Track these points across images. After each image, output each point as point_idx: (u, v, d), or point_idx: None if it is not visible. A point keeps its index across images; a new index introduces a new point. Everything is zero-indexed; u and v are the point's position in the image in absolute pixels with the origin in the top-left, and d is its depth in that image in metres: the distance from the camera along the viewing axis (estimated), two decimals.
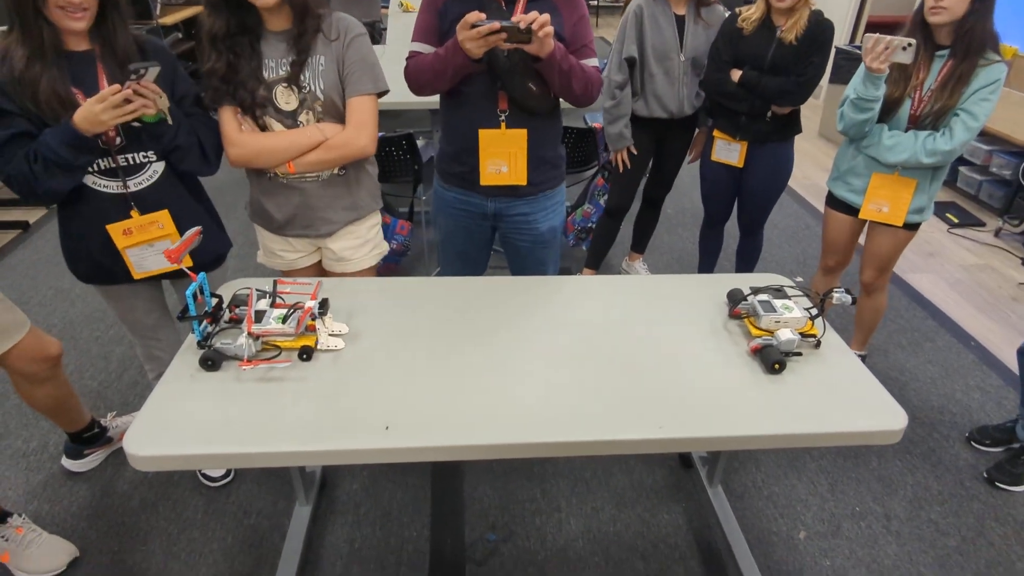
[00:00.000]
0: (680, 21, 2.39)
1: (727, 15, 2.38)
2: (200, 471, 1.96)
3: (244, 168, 1.64)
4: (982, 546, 1.86)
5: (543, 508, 1.94)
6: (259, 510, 1.89)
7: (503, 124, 1.65)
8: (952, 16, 1.78)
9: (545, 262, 1.93)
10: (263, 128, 1.58)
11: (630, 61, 2.40)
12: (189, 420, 1.13)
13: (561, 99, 1.70)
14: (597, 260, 3.00)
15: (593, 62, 1.69)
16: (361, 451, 1.11)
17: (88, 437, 1.96)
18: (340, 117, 1.60)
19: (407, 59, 1.64)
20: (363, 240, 1.80)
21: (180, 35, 5.56)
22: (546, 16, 1.41)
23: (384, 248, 1.89)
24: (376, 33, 4.87)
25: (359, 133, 1.59)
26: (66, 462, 1.98)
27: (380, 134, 2.66)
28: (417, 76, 1.61)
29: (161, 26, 5.04)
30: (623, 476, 2.05)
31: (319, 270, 1.85)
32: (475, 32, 1.40)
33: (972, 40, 1.80)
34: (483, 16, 1.40)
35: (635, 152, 2.58)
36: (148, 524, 1.84)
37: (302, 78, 1.54)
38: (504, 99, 1.63)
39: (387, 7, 5.04)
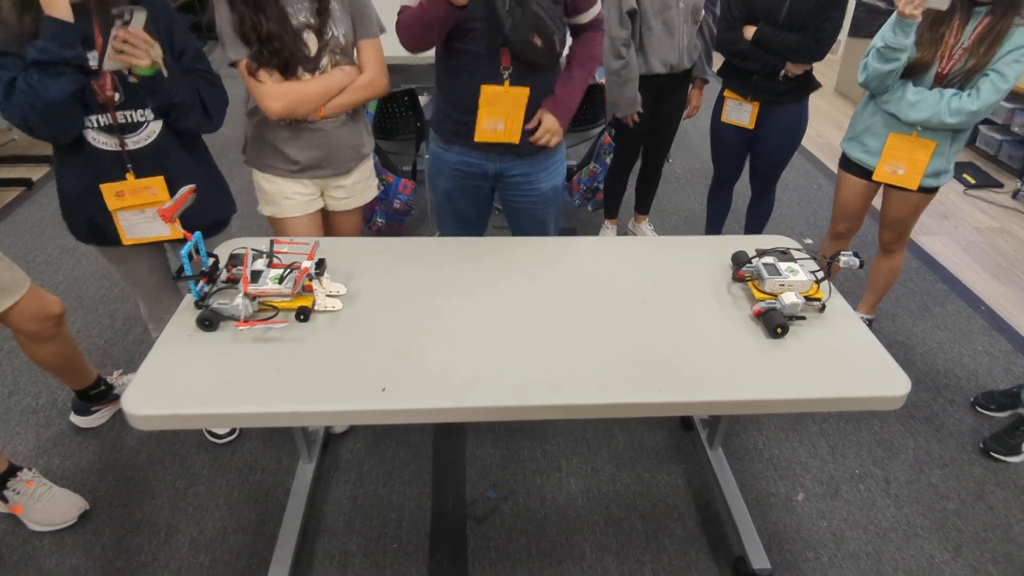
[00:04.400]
0: None
1: None
2: (205, 429, 1.99)
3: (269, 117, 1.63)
4: (981, 510, 1.87)
5: (543, 467, 1.96)
6: (264, 467, 1.92)
7: (507, 82, 1.60)
8: None
9: (546, 222, 1.90)
10: (289, 79, 1.59)
11: (632, 14, 2.30)
12: (186, 380, 1.13)
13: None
14: (614, 211, 3.03)
15: (595, 10, 1.64)
16: (357, 412, 1.11)
17: (95, 394, 1.98)
18: (351, 59, 1.69)
19: (398, 13, 1.58)
20: (368, 174, 1.91)
21: None
22: (550, 131, 1.64)
23: (376, 182, 1.99)
24: None
25: (380, 73, 1.71)
26: (74, 418, 2.01)
27: None
28: (406, 30, 1.56)
29: None
30: (623, 436, 2.06)
31: (319, 220, 1.86)
32: None
33: None
34: None
35: (642, 111, 2.51)
36: (155, 479, 1.87)
37: (327, 24, 1.59)
38: (507, 56, 1.57)
39: None
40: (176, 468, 1.91)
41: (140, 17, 1.38)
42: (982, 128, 3.99)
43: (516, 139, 1.68)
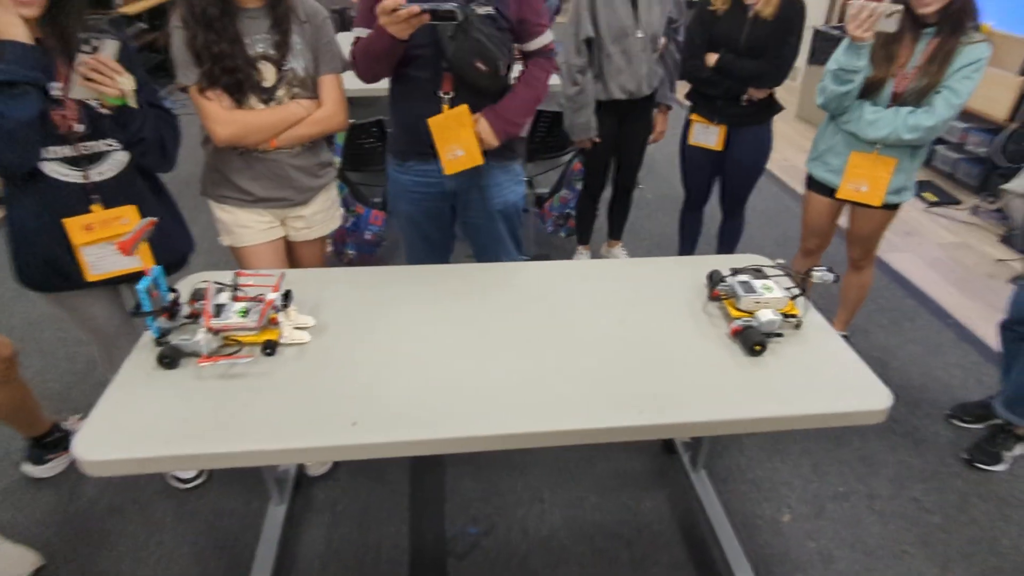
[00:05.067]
0: None
1: None
2: (171, 473, 1.90)
3: (221, 147, 1.61)
4: (965, 523, 1.86)
5: (525, 499, 1.90)
6: (232, 511, 1.83)
7: (445, 107, 1.61)
8: (944, 2, 1.75)
9: (504, 239, 1.89)
10: (241, 106, 1.58)
11: (589, 42, 2.34)
12: (145, 421, 1.07)
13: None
14: (587, 236, 3.04)
15: (546, 38, 1.65)
16: (328, 448, 1.06)
17: (50, 442, 1.88)
18: (311, 93, 1.67)
19: (351, 45, 1.59)
20: (330, 204, 1.88)
21: (144, 25, 5.40)
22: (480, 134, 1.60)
23: (341, 212, 1.97)
24: (346, 20, 4.77)
25: (338, 108, 1.69)
26: (28, 468, 1.90)
27: (351, 121, 2.60)
28: (359, 62, 1.58)
29: (123, 16, 4.87)
30: (605, 463, 2.02)
31: (282, 249, 1.82)
32: (395, 16, 1.37)
33: (962, 15, 1.77)
34: (402, 0, 1.36)
35: (598, 141, 2.54)
36: (116, 529, 1.77)
37: (286, 57, 1.58)
38: (449, 81, 1.59)
39: None
40: (137, 517, 1.81)
41: (111, 46, 1.36)
42: (938, 148, 4.12)
43: (479, 159, 1.67)
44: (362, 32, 1.57)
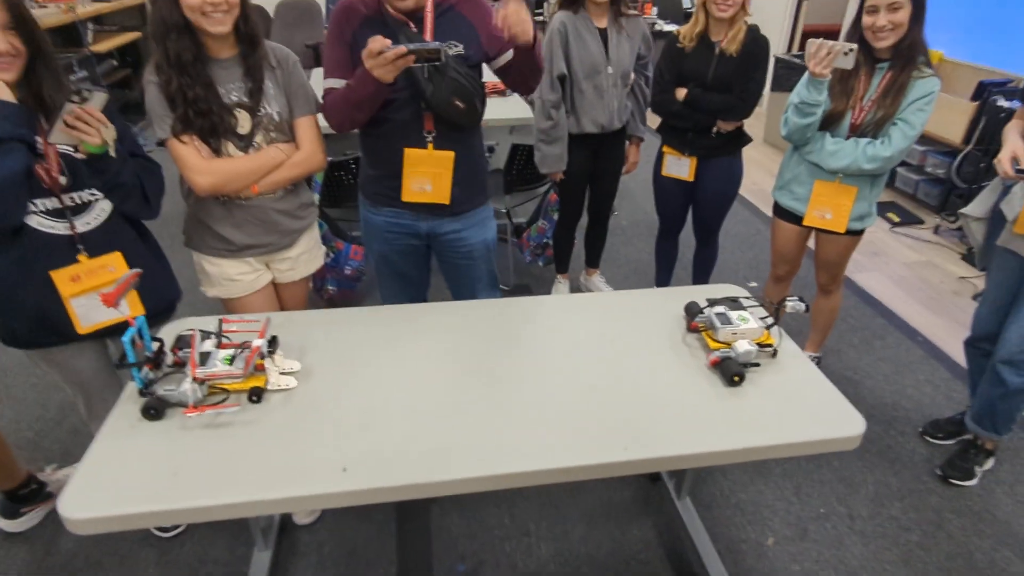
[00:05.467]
0: (604, 34, 2.41)
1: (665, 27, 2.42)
2: None
3: (202, 197, 1.61)
4: (942, 539, 1.91)
5: (512, 533, 1.90)
6: (215, 558, 1.80)
7: (430, 144, 1.64)
8: (898, 37, 1.85)
9: (481, 277, 1.93)
10: (219, 154, 1.58)
11: (562, 78, 2.41)
12: (131, 475, 1.06)
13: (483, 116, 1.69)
14: (564, 265, 3.08)
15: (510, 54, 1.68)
16: (318, 496, 1.06)
17: (25, 494, 1.83)
18: (288, 136, 1.67)
19: (323, 97, 1.61)
20: (314, 243, 1.88)
21: (115, 63, 5.38)
22: (517, 12, 1.41)
23: (323, 250, 1.97)
24: (320, 55, 4.81)
25: (316, 149, 1.70)
26: (1, 522, 1.85)
27: (329, 158, 2.62)
28: (335, 112, 1.58)
29: (94, 54, 4.85)
30: (591, 494, 2.03)
31: (271, 291, 1.82)
32: (382, 59, 1.39)
33: (913, 50, 1.87)
34: (388, 42, 1.39)
35: (564, 176, 2.60)
36: None
37: (260, 103, 1.59)
38: (430, 120, 1.63)
39: None
40: (117, 570, 1.76)
41: (100, 98, 1.38)
42: (900, 170, 4.28)
43: (446, 199, 1.70)
44: (335, 83, 1.59)
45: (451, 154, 1.65)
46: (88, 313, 1.49)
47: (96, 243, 1.48)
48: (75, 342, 1.53)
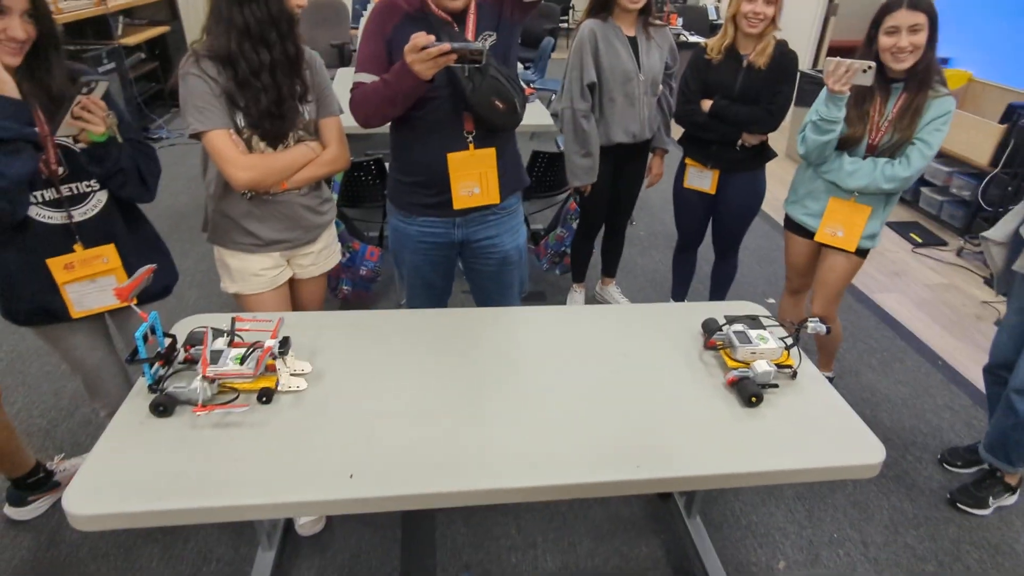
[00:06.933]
0: (633, 42, 2.38)
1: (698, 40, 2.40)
2: None
3: (228, 192, 1.62)
4: (959, 571, 1.85)
5: (519, 544, 1.87)
6: (219, 556, 1.79)
7: (471, 145, 1.62)
8: (916, 59, 1.83)
9: (512, 284, 1.89)
10: (250, 149, 1.59)
11: (592, 87, 2.39)
12: (137, 473, 1.05)
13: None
14: (581, 274, 3.05)
15: None
16: (324, 503, 1.05)
17: (32, 483, 1.84)
18: (314, 135, 1.70)
19: (351, 91, 1.59)
20: (332, 240, 1.90)
21: (143, 55, 5.44)
22: None
23: (339, 247, 1.98)
24: (345, 55, 4.84)
25: (343, 149, 1.73)
26: (8, 510, 1.85)
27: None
28: (364, 106, 1.56)
29: (123, 46, 4.91)
30: (600, 509, 2.00)
31: (288, 290, 1.83)
32: (425, 54, 1.37)
33: (928, 71, 1.85)
34: (432, 38, 1.37)
35: (590, 188, 2.57)
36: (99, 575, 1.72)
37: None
38: (470, 120, 1.60)
39: (356, 28, 5.01)
40: (122, 563, 1.76)
41: (103, 87, 1.38)
42: (924, 190, 4.21)
43: (496, 198, 1.68)
44: (365, 77, 1.57)
45: (492, 151, 1.63)
46: (82, 299, 1.55)
47: (92, 233, 1.51)
48: (71, 322, 1.58)
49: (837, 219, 2.08)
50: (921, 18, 1.78)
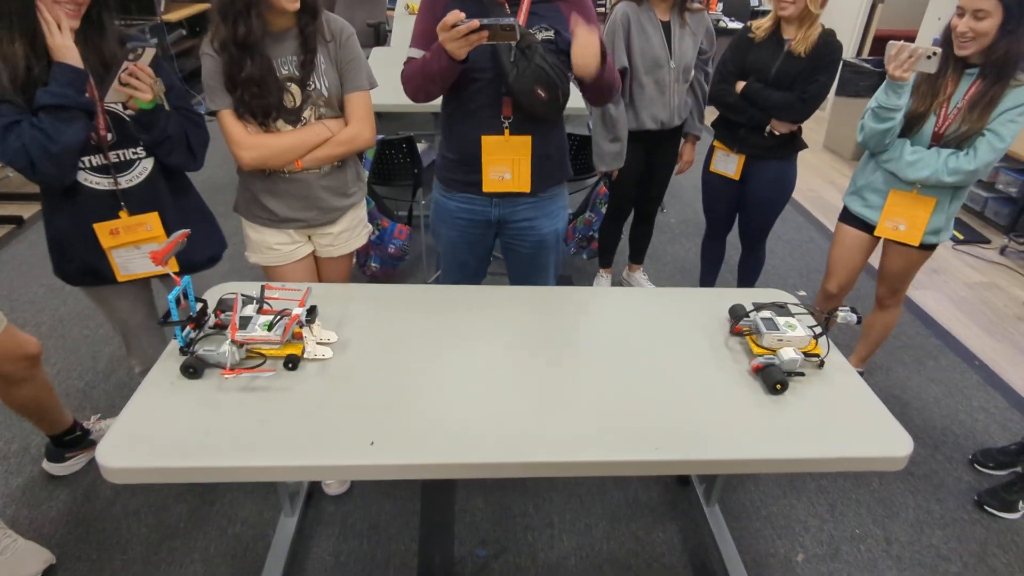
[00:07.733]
0: (666, 27, 2.34)
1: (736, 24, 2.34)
2: None
3: (241, 167, 1.63)
4: (984, 573, 1.81)
5: (535, 523, 1.89)
6: (243, 519, 1.84)
7: (507, 131, 1.61)
8: (980, 47, 1.73)
9: (547, 267, 1.88)
10: (267, 128, 1.59)
11: (622, 71, 2.35)
12: (167, 431, 1.08)
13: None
14: (609, 259, 3.04)
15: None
16: (344, 467, 1.07)
17: (70, 440, 1.91)
18: (337, 112, 1.66)
19: (404, 64, 1.60)
20: (358, 221, 1.87)
21: (184, 32, 5.53)
22: (580, 47, 1.45)
23: (369, 228, 1.96)
24: (381, 35, 4.85)
25: (363, 127, 1.67)
26: (47, 465, 1.94)
27: (380, 136, 2.64)
28: (411, 81, 1.57)
29: (165, 23, 5.00)
30: (618, 492, 2.00)
31: (311, 262, 1.84)
32: (455, 32, 1.35)
33: (1006, 63, 1.73)
34: (462, 15, 1.35)
35: (618, 173, 2.54)
36: (129, 531, 1.79)
37: (311, 77, 1.59)
38: (508, 105, 1.59)
39: (392, 8, 5.01)
40: (151, 520, 1.82)
41: (150, 53, 1.40)
42: None
43: (527, 187, 1.67)
44: (415, 52, 1.58)
45: (528, 139, 1.62)
46: (127, 264, 1.60)
47: (137, 200, 1.55)
48: (117, 285, 1.63)
49: (898, 212, 1.99)
50: (988, 3, 1.67)
